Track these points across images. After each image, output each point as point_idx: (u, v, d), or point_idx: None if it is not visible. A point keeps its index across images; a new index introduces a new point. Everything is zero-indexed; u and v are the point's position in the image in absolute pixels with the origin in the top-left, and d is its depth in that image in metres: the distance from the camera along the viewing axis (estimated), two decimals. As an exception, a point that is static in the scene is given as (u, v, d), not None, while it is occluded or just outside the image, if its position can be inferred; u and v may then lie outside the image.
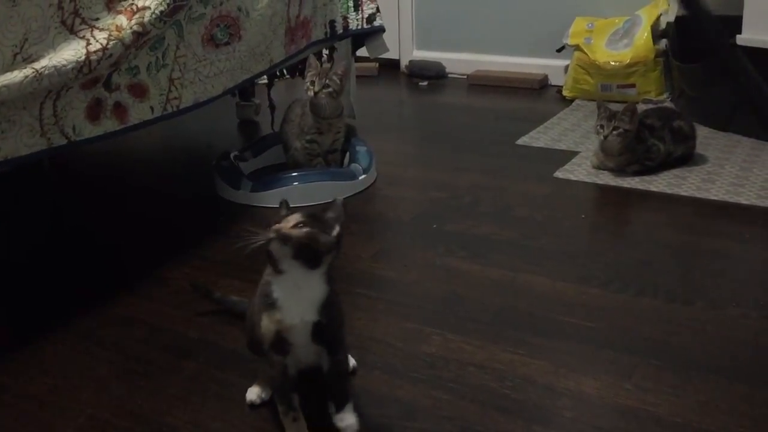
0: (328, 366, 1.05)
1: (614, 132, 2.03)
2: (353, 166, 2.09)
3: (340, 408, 1.04)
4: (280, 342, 1.00)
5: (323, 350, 1.03)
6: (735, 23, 2.27)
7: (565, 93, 2.99)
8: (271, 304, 0.98)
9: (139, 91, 1.58)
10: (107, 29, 1.42)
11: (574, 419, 1.11)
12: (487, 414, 1.12)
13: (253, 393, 1.16)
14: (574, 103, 2.91)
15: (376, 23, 2.44)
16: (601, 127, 2.05)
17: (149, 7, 1.48)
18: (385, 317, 1.40)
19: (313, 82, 2.02)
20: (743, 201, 1.89)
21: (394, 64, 3.61)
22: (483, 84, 3.28)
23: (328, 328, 1.01)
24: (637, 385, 1.17)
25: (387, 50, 2.58)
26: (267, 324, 0.99)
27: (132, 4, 1.47)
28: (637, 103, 2.75)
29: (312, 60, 2.06)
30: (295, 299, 0.98)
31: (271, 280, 0.99)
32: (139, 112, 1.58)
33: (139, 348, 1.34)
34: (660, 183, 2.03)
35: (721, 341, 1.29)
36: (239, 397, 1.17)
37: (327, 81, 2.02)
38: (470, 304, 1.44)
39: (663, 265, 1.58)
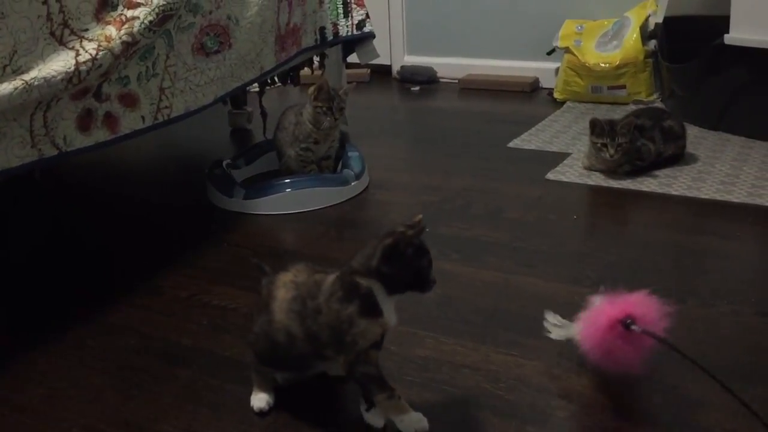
0: None
1: (619, 149, 2.04)
2: (345, 171, 2.10)
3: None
4: (381, 341, 1.08)
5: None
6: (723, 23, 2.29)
7: (556, 95, 3.00)
8: (381, 312, 1.05)
9: (129, 101, 1.58)
10: (96, 40, 1.42)
11: (567, 419, 1.11)
12: (481, 415, 1.12)
13: (262, 400, 1.16)
14: (565, 106, 2.92)
15: (366, 29, 2.45)
16: (604, 145, 2.05)
17: (138, 17, 1.48)
18: (379, 321, 1.39)
19: (330, 109, 2.03)
20: (734, 199, 1.90)
21: (385, 69, 3.62)
22: (474, 88, 3.30)
23: None
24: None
25: (378, 56, 2.59)
26: (373, 328, 1.05)
27: (121, 14, 1.47)
28: (628, 104, 2.78)
29: (324, 84, 2.04)
30: (390, 304, 1.07)
31: (373, 290, 1.04)
32: (130, 122, 1.59)
33: (133, 356, 1.34)
34: (651, 183, 2.04)
35: (714, 339, 1.29)
36: (233, 404, 1.18)
37: (342, 105, 2.04)
38: (463, 307, 1.45)
39: (655, 264, 1.59)
